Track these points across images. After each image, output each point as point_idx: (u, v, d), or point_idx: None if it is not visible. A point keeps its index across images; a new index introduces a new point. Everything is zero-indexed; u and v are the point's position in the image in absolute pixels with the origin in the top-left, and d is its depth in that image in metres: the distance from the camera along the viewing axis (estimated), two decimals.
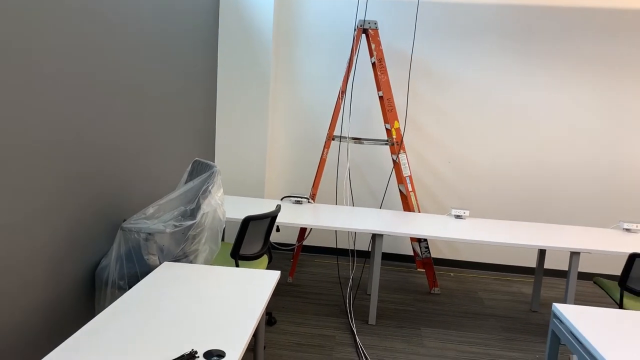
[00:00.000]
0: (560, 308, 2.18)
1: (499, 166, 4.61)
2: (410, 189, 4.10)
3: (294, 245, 4.94)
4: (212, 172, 2.49)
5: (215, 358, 1.53)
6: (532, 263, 4.73)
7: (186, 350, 1.57)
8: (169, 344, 1.61)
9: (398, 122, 4.07)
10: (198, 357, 1.53)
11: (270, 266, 4.43)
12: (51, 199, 2.06)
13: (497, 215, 4.67)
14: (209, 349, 1.59)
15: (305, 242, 4.91)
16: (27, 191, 1.91)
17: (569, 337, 2.06)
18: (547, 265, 4.72)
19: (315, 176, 4.14)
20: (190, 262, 2.39)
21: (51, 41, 2.01)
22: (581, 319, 2.09)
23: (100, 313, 1.81)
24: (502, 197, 4.65)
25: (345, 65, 4.57)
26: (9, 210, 1.82)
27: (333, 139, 4.11)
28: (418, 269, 4.67)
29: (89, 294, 2.40)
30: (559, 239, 3.42)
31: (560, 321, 2.18)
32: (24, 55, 1.85)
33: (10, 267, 1.85)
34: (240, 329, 1.76)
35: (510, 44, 4.42)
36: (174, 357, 1.51)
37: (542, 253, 3.85)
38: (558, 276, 4.72)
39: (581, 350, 1.94)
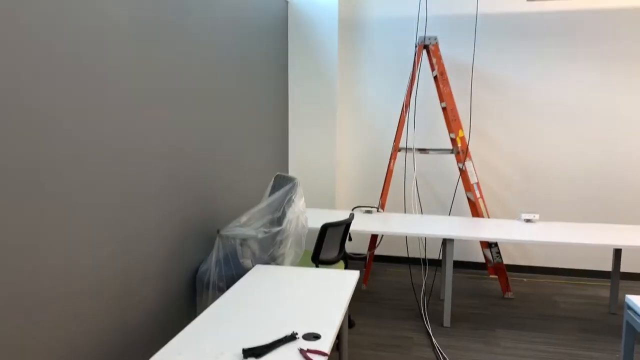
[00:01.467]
0: (634, 299, 2.24)
1: (566, 168, 4.60)
2: (478, 195, 4.20)
3: (365, 254, 5.13)
4: (294, 184, 2.77)
5: (313, 338, 1.76)
6: (607, 267, 4.65)
7: (288, 332, 1.82)
8: (271, 329, 1.87)
9: (462, 130, 4.20)
10: (298, 337, 1.78)
11: None
12: (163, 213, 2.40)
13: (567, 218, 4.65)
14: (306, 332, 1.83)
15: (376, 252, 5.09)
16: (147, 207, 2.26)
17: None
18: (624, 268, 4.62)
19: (383, 186, 4.34)
20: (278, 264, 2.66)
21: (159, 67, 2.37)
22: None
23: (209, 307, 2.10)
24: (571, 200, 4.63)
25: (407, 80, 4.77)
26: (137, 223, 2.17)
27: (399, 151, 4.30)
28: (490, 276, 4.72)
29: (190, 296, 2.73)
30: (635, 238, 3.40)
31: (635, 312, 2.24)
32: (142, 81, 2.22)
33: (129, 272, 2.19)
34: (330, 317, 1.99)
35: (575, 48, 4.45)
36: (279, 337, 1.76)
37: (617, 254, 3.81)
38: (635, 279, 4.60)
39: None
